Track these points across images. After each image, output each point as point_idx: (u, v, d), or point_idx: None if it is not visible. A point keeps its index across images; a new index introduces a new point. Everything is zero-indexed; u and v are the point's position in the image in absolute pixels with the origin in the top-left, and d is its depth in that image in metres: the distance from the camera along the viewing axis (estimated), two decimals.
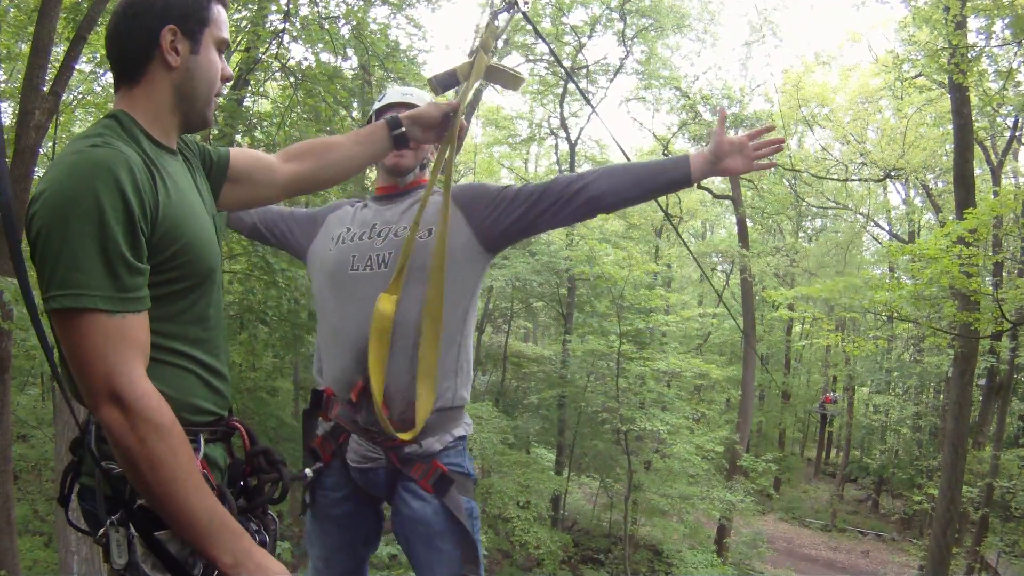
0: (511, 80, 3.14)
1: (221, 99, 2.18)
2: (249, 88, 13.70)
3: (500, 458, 20.59)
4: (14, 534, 12.35)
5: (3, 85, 17.78)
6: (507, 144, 33.48)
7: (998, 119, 20.37)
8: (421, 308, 2.94)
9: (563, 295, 25.32)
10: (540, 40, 22.31)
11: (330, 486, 3.19)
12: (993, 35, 15.40)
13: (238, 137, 13.68)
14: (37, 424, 20.05)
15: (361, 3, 14.59)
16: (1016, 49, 15.60)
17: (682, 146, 30.12)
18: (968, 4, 13.48)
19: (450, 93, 3.35)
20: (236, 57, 14.01)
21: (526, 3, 3.66)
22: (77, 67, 13.45)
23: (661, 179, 2.97)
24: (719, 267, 41.96)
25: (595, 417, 22.56)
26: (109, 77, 18.00)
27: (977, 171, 18.94)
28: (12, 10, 14.26)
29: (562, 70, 23.42)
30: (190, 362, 2.05)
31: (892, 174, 26.48)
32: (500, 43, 23.05)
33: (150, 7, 1.98)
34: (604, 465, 23.95)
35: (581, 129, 28.04)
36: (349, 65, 16.00)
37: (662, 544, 24.26)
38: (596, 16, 24.17)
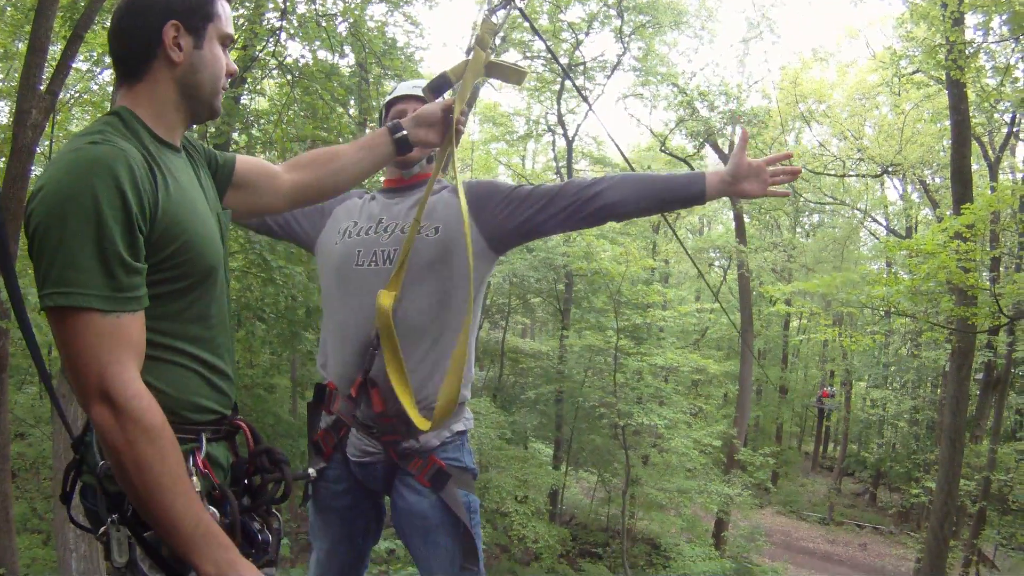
0: (512, 74, 3.13)
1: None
2: (246, 86, 13.70)
3: (498, 453, 20.63)
4: (12, 532, 12.33)
5: (0, 84, 17.77)
6: (504, 141, 33.39)
7: (996, 115, 20.37)
8: (427, 305, 2.97)
9: (560, 291, 25.32)
10: (537, 37, 22.28)
11: (331, 479, 3.20)
12: (991, 31, 15.48)
13: (235, 135, 13.70)
14: (35, 422, 19.99)
15: (358, 0, 14.59)
16: (1014, 45, 15.64)
17: (679, 142, 30.12)
18: (966, 0, 13.50)
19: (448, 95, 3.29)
20: (233, 55, 13.83)
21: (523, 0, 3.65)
22: (74, 66, 13.43)
23: (675, 195, 3.01)
24: (716, 263, 41.90)
25: (593, 412, 22.56)
26: (106, 75, 18.05)
27: (974, 167, 18.95)
28: (9, 9, 14.26)
29: (559, 67, 23.42)
30: (191, 361, 2.04)
31: (890, 170, 26.43)
32: (498, 40, 23.04)
33: (153, 3, 1.99)
34: (602, 460, 23.97)
35: (578, 126, 28.06)
36: (346, 63, 16.01)
37: (660, 538, 24.29)
38: (593, 13, 24.15)
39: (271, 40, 13.15)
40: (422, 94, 3.15)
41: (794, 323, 42.57)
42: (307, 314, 13.87)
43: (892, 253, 24.84)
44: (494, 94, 34.22)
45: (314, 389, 3.22)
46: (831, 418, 42.18)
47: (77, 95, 19.12)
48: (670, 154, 29.62)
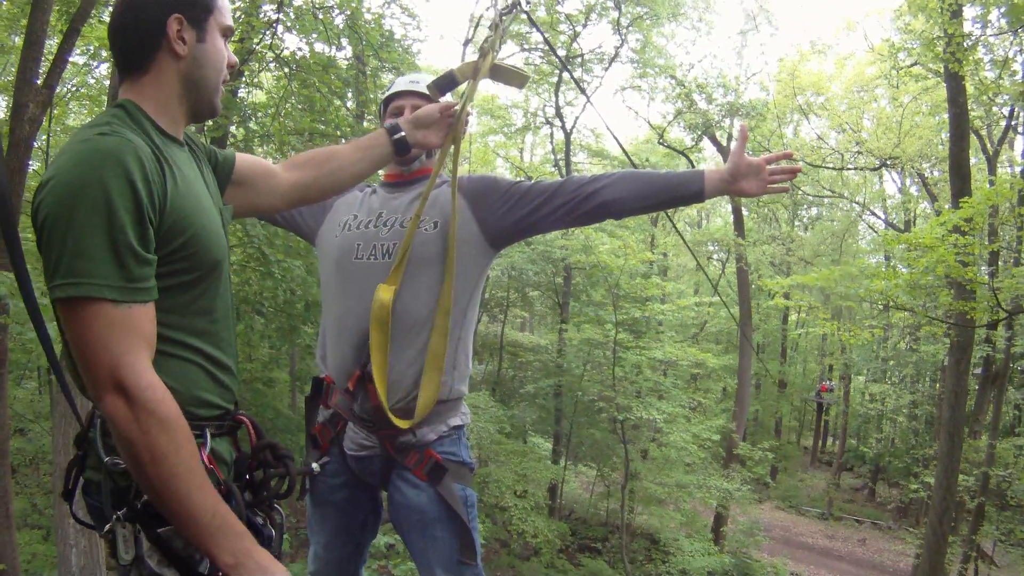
0: (516, 78, 3.14)
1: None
2: (243, 79, 13.65)
3: (497, 447, 20.64)
4: (12, 528, 12.33)
5: None
6: (502, 133, 33.42)
7: (994, 108, 20.41)
8: (426, 299, 2.96)
9: (559, 284, 25.36)
10: (535, 29, 22.26)
11: (329, 472, 3.19)
12: (989, 24, 15.43)
13: (232, 128, 13.65)
14: (34, 418, 20.01)
15: None
16: (1012, 38, 15.66)
17: (678, 134, 30.13)
18: None
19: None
20: (230, 48, 13.97)
21: (528, 3, 3.68)
22: (71, 59, 13.40)
23: (673, 193, 2.99)
24: (715, 256, 42.00)
25: (592, 406, 22.61)
26: (103, 69, 18.03)
27: (973, 160, 18.94)
28: (5, 3, 14.22)
29: (557, 59, 23.39)
30: (196, 355, 2.03)
31: (888, 163, 26.48)
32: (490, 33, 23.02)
33: None
34: (601, 454, 24.02)
35: (576, 118, 28.04)
36: (343, 55, 15.95)
37: (659, 532, 24.36)
38: (591, 4, 24.11)
39: (268, 33, 13.10)
40: (422, 90, 3.18)
41: (793, 317, 42.69)
42: (306, 308, 13.85)
43: (891, 246, 24.87)
44: (492, 87, 34.14)
45: (312, 383, 3.24)
46: (830, 412, 42.35)
47: (74, 89, 19.15)
48: (668, 147, 29.68)
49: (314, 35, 13.95)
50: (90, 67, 18.20)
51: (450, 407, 3.10)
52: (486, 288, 28.34)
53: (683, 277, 44.00)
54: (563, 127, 27.59)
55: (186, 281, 1.96)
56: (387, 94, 3.35)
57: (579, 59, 25.11)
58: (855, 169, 29.64)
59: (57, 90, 13.57)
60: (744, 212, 31.00)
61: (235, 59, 2.21)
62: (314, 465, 2.96)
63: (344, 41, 14.88)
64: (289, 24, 13.57)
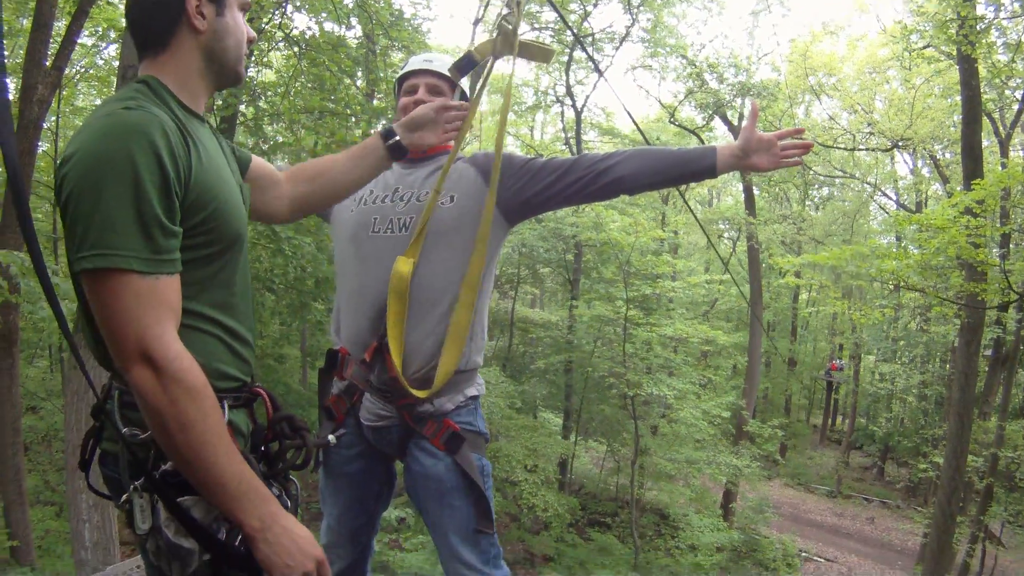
0: (541, 54, 3.16)
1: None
2: (252, 58, 13.67)
3: (507, 422, 20.70)
4: (26, 505, 12.43)
5: (5, 60, 17.91)
6: (512, 111, 33.26)
7: (1007, 91, 20.24)
8: (443, 271, 3.00)
9: (570, 261, 25.31)
10: (548, 5, 22.18)
11: (343, 443, 3.22)
12: (1002, 7, 15.37)
13: (242, 107, 13.69)
14: (46, 396, 20.13)
15: None
16: None
17: (688, 114, 30.04)
18: None
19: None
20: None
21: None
22: (79, 41, 13.46)
23: (686, 169, 3.02)
24: (726, 234, 41.85)
25: (602, 382, 22.60)
26: (112, 50, 18.09)
27: (985, 143, 18.86)
28: None
29: (569, 37, 23.32)
30: (216, 327, 2.05)
31: (900, 144, 26.35)
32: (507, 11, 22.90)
33: None
34: (611, 430, 24.06)
35: (587, 97, 27.96)
36: (353, 34, 15.98)
37: (668, 508, 24.45)
38: None
39: (277, 12, 13.12)
40: (436, 68, 3.23)
41: (803, 296, 42.50)
42: (316, 284, 13.88)
43: (902, 227, 24.74)
44: (502, 65, 33.93)
45: (326, 355, 3.28)
46: (840, 391, 42.31)
47: (83, 70, 19.17)
48: (679, 126, 29.58)
49: (323, 14, 13.96)
50: (99, 48, 18.23)
51: (467, 377, 3.15)
52: (498, 264, 28.41)
53: (694, 255, 43.82)
54: (574, 106, 27.50)
55: (208, 254, 1.98)
56: (401, 73, 3.38)
57: (590, 38, 25.04)
58: (867, 150, 29.49)
59: (66, 71, 13.67)
60: (755, 191, 30.85)
61: (253, 33, 2.24)
62: (331, 437, 2.96)
63: (354, 20, 14.85)
64: (298, 3, 13.60)
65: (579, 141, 27.32)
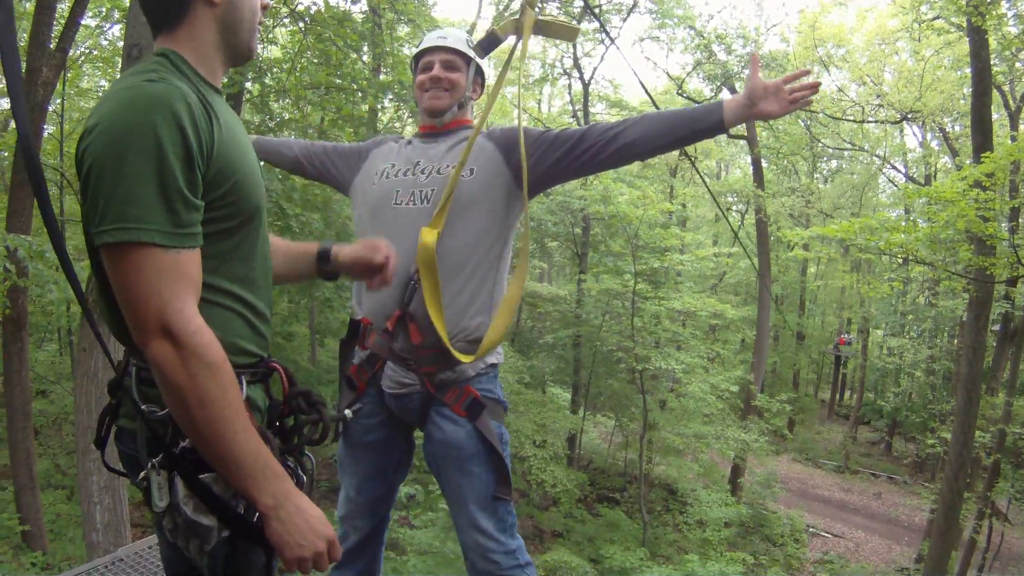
0: (565, 32, 3.27)
1: None
2: (258, 35, 13.65)
3: (516, 398, 20.75)
4: (36, 489, 12.49)
5: None
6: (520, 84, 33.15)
7: (1017, 64, 20.14)
8: (466, 241, 3.08)
9: (578, 234, 25.29)
10: None
11: (364, 413, 3.28)
12: None
13: (248, 84, 13.64)
14: (56, 379, 20.21)
15: None
16: None
17: (696, 86, 29.94)
18: None
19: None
20: None
21: None
22: (83, 22, 13.40)
23: (695, 126, 2.98)
24: (734, 207, 41.76)
25: (610, 356, 22.65)
26: (116, 31, 18.01)
27: (995, 116, 18.71)
28: None
29: (576, 8, 23.19)
30: (235, 302, 2.04)
31: (909, 116, 26.25)
32: None
33: None
34: (619, 404, 24.09)
35: (595, 69, 27.97)
36: (359, 8, 15.90)
37: (677, 483, 24.55)
38: None
39: None
40: (450, 45, 3.27)
41: (812, 269, 42.52)
42: None
43: (911, 200, 24.70)
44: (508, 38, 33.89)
45: (348, 325, 3.31)
46: (848, 366, 42.28)
47: (87, 52, 19.15)
48: (687, 98, 29.44)
49: None
50: (102, 29, 18.20)
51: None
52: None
53: (702, 228, 43.83)
54: (581, 78, 27.44)
55: (228, 228, 1.98)
56: (417, 51, 3.40)
57: (597, 9, 24.92)
58: (876, 122, 29.38)
59: (70, 53, 13.60)
60: (764, 164, 30.80)
61: (268, 0, 2.23)
62: (347, 411, 2.96)
63: None
64: None
65: (587, 114, 27.27)
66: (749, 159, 32.19)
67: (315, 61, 14.24)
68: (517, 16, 3.10)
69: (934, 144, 32.37)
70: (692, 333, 25.31)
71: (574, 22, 24.91)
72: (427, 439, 3.24)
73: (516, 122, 3.40)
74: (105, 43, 18.93)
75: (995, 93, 18.62)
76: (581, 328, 23.60)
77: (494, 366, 3.30)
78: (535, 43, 30.77)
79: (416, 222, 3.04)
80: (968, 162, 15.53)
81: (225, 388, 1.78)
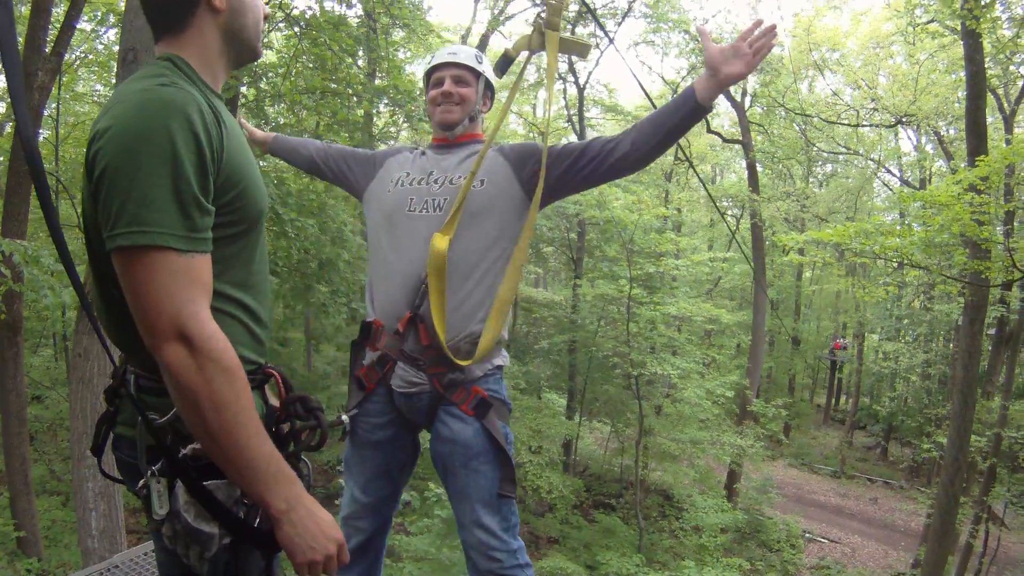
0: (580, 49, 3.42)
1: None
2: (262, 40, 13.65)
3: (511, 403, 20.71)
4: (31, 495, 12.48)
5: None
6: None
7: (1011, 67, 20.20)
8: (475, 248, 3.19)
9: (573, 239, 25.32)
10: None
11: (372, 412, 3.39)
12: None
13: (243, 88, 13.63)
14: (51, 385, 20.22)
15: None
16: None
17: None
18: None
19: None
20: None
21: None
22: (78, 26, 13.38)
23: (677, 114, 3.04)
24: (729, 211, 41.83)
25: (606, 362, 22.66)
26: (111, 35, 17.99)
27: (990, 119, 18.75)
28: None
29: (571, 12, 23.20)
30: (236, 307, 2.05)
31: (903, 120, 26.30)
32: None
33: None
34: (615, 410, 24.12)
35: (590, 73, 27.87)
36: (354, 13, 15.90)
37: (673, 488, 24.55)
38: None
39: None
40: (460, 61, 3.43)
41: (807, 274, 42.69)
42: (320, 267, 13.88)
43: (906, 204, 24.69)
44: (503, 42, 33.93)
45: (360, 326, 3.42)
46: (843, 370, 42.35)
47: (83, 56, 19.15)
48: None
49: None
50: (98, 33, 18.23)
51: (496, 348, 3.33)
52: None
53: (697, 233, 43.91)
54: (576, 82, 27.44)
55: (233, 233, 1.98)
56: (428, 67, 3.54)
57: (590, 15, 24.95)
58: (870, 126, 29.45)
59: (66, 57, 13.57)
60: (758, 168, 30.84)
61: (268, 10, 2.24)
62: (344, 416, 3.05)
63: None
64: None
65: (582, 118, 27.27)
66: (744, 163, 32.25)
67: (310, 66, 14.28)
68: (529, 34, 3.31)
69: (929, 148, 32.43)
70: (687, 338, 25.44)
71: (591, 39, 25.05)
72: (434, 437, 3.32)
73: (508, 123, 3.53)
74: (100, 47, 18.98)
75: (990, 96, 18.67)
76: (576, 333, 23.62)
77: (500, 368, 3.39)
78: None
79: (428, 228, 3.16)
80: (963, 166, 15.53)
81: (239, 393, 1.78)
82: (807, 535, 25.86)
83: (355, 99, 15.12)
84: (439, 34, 22.26)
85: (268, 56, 16.60)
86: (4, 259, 6.89)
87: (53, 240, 2.03)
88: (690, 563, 18.92)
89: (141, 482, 1.94)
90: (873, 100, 27.21)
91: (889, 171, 35.86)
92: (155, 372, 1.89)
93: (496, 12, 27.09)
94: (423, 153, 3.52)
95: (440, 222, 3.15)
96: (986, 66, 15.34)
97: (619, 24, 26.07)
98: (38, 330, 20.31)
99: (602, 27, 9.20)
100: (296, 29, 13.62)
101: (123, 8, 7.43)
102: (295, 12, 13.47)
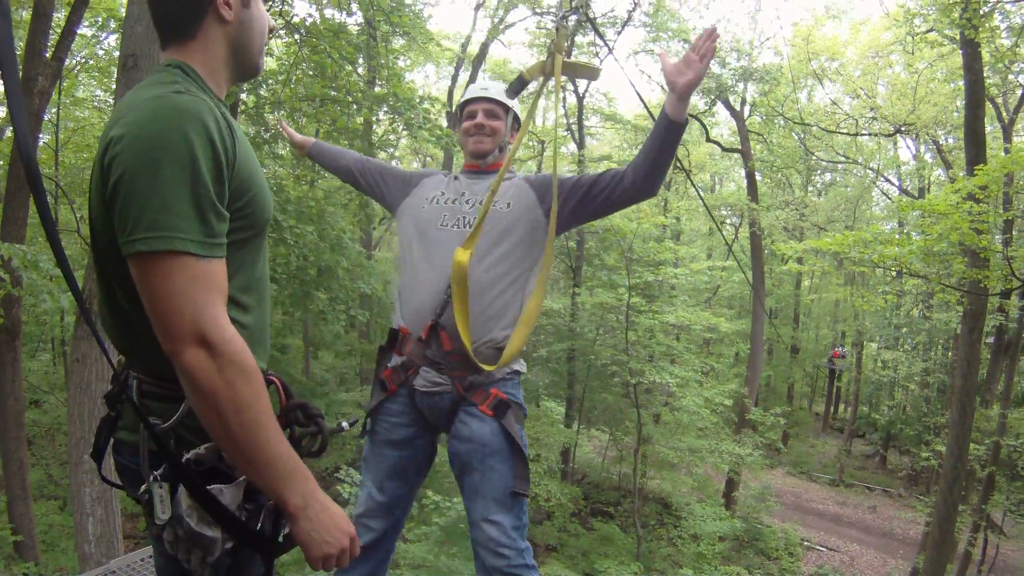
0: (589, 72, 3.81)
1: None
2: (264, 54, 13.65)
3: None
4: (29, 499, 12.49)
5: None
6: (520, 100, 33.22)
7: (1010, 76, 20.21)
8: (495, 263, 3.49)
9: (572, 248, 25.27)
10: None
11: (393, 412, 3.64)
12: None
13: (243, 95, 13.65)
14: (49, 389, 20.23)
15: None
16: None
17: (691, 99, 29.96)
18: None
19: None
20: None
21: (591, 8, 4.26)
22: (79, 31, 13.41)
23: (658, 138, 3.31)
24: (728, 220, 41.84)
25: (604, 370, 22.59)
26: (112, 40, 18.02)
27: (988, 128, 18.76)
28: None
29: (571, 22, 23.21)
30: (241, 313, 2.07)
31: (902, 129, 26.30)
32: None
33: None
34: (613, 418, 24.07)
35: (589, 83, 27.89)
36: (354, 20, 15.96)
37: (671, 497, 24.49)
38: None
39: None
40: (491, 95, 3.79)
41: (806, 282, 42.64)
42: (319, 273, 13.89)
43: (904, 213, 24.82)
44: (503, 51, 34.02)
45: (388, 333, 3.70)
46: (842, 379, 42.34)
47: (83, 61, 19.17)
48: None
49: (324, 1, 13.93)
50: (99, 38, 18.25)
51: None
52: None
53: (696, 241, 43.92)
54: (575, 91, 27.45)
55: (242, 239, 2.01)
56: (462, 100, 3.92)
57: (589, 24, 24.96)
58: (869, 135, 29.44)
59: (66, 63, 13.61)
60: (757, 177, 30.83)
61: (273, 22, 2.28)
62: (344, 423, 3.02)
63: (354, 6, 14.85)
64: None
65: (581, 127, 27.29)
66: (743, 172, 32.25)
67: (310, 73, 14.30)
68: (544, 59, 3.59)
69: (928, 157, 32.43)
70: (686, 347, 25.34)
71: (596, 63, 25.10)
72: (453, 437, 3.54)
73: (533, 145, 3.72)
74: (101, 53, 18.98)
75: (988, 105, 18.68)
76: (575, 342, 23.56)
77: (517, 372, 3.67)
78: (529, 55, 30.87)
79: (456, 243, 3.43)
80: (962, 175, 15.53)
81: (258, 394, 1.82)
82: (805, 543, 25.80)
83: (355, 107, 15.15)
84: (439, 42, 22.29)
85: (268, 63, 16.63)
86: (3, 263, 6.91)
87: (52, 248, 2.04)
88: (688, 571, 18.87)
89: (143, 487, 1.96)
90: (872, 109, 27.20)
91: (888, 180, 35.86)
92: (158, 377, 1.95)
93: (496, 21, 27.12)
94: (456, 177, 3.85)
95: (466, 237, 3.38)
96: (985, 75, 15.37)
97: (619, 33, 26.09)
98: (36, 334, 20.34)
99: (601, 36, 9.25)
100: (296, 36, 13.64)
101: (124, 14, 7.46)
102: (295, 20, 13.50)
